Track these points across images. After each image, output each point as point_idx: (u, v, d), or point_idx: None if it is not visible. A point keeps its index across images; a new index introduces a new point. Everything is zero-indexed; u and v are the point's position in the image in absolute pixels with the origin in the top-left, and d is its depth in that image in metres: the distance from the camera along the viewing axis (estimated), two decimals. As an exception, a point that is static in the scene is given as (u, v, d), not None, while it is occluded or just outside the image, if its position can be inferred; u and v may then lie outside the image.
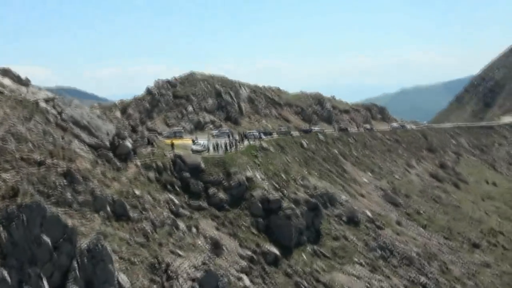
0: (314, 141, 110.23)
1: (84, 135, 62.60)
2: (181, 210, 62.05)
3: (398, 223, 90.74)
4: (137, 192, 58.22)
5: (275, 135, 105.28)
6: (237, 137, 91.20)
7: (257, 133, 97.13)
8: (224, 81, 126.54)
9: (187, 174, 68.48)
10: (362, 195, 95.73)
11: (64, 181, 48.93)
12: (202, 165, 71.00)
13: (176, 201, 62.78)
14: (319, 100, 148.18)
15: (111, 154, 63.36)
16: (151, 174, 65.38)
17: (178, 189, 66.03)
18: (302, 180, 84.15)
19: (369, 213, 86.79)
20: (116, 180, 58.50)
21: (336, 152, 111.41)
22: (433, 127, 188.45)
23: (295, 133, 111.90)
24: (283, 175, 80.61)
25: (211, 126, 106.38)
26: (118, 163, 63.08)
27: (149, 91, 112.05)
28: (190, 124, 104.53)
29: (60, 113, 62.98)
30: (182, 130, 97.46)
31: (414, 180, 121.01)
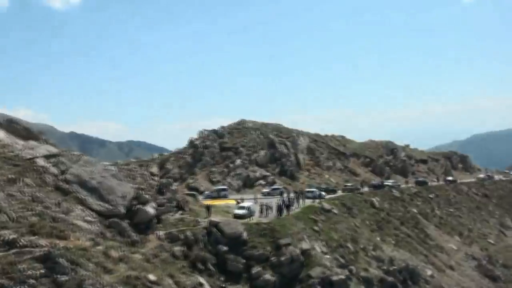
0: (387, 199, 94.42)
1: (91, 200, 50.95)
2: (214, 298, 48.39)
3: (501, 306, 72.72)
4: (152, 277, 44.77)
5: (339, 192, 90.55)
6: (292, 196, 77.40)
7: (317, 191, 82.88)
8: (280, 130, 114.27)
9: (224, 248, 54.88)
10: (451, 267, 78.55)
11: (42, 269, 36.43)
12: (245, 236, 57.32)
13: (208, 286, 48.99)
14: (391, 149, 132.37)
15: (125, 224, 51.25)
16: (177, 249, 52.32)
17: (211, 267, 52.40)
18: (374, 250, 68.62)
19: (463, 293, 69.66)
20: (125, 260, 45.65)
21: (415, 211, 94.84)
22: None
23: (365, 189, 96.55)
24: (350, 246, 65.48)
25: (262, 182, 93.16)
26: (133, 235, 50.71)
27: (191, 143, 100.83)
28: (238, 180, 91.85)
29: (63, 172, 51.82)
30: (227, 189, 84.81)
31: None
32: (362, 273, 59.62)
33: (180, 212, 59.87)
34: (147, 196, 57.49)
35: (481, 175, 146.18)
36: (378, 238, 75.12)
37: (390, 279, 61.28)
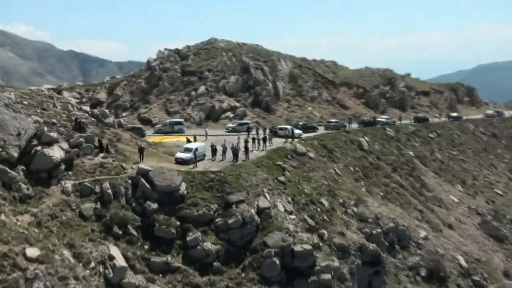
0: (379, 138, 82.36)
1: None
2: (131, 275, 37.06)
3: (506, 275, 62.11)
4: (32, 251, 32.71)
5: (321, 130, 78.20)
6: (260, 134, 65.20)
7: (291, 128, 70.62)
8: (257, 52, 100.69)
9: (153, 206, 43.06)
10: (451, 226, 67.47)
11: None
12: (182, 189, 45.38)
13: (123, 257, 37.55)
14: (389, 79, 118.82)
15: (14, 173, 39.49)
16: (88, 206, 40.60)
17: (133, 232, 40.92)
18: (356, 206, 57.08)
19: (462, 261, 58.72)
20: (7, 225, 33.78)
21: (412, 154, 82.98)
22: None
23: (353, 126, 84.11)
24: (324, 201, 53.76)
25: (230, 115, 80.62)
26: (25, 188, 38.98)
27: (148, 65, 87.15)
28: (200, 111, 79.28)
29: None
30: (183, 122, 72.41)
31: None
32: (336, 239, 48.26)
33: (102, 155, 47.41)
34: (53, 134, 45.04)
35: (489, 111, 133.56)
36: (364, 189, 63.59)
37: (371, 247, 49.93)
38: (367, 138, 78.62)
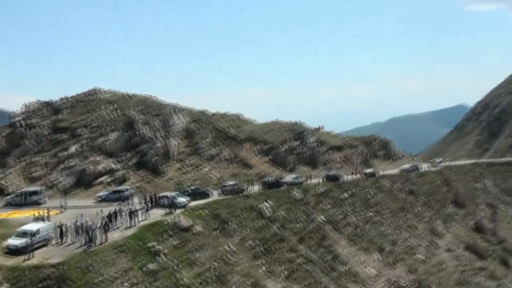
0: (285, 202, 73.15)
1: None
2: None
3: None
4: None
5: (215, 195, 67.68)
6: (131, 205, 53.96)
7: (176, 195, 60.02)
8: (148, 104, 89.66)
9: None
10: (368, 308, 58.22)
11: None
12: (-1, 295, 33.27)
13: None
14: (299, 133, 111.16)
15: None
16: None
17: None
18: (251, 293, 46.44)
19: None
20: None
21: (322, 219, 74.22)
22: (451, 166, 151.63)
23: (254, 189, 74.36)
24: (208, 293, 42.77)
25: (107, 179, 68.83)
26: None
27: (10, 120, 74.46)
28: (70, 176, 66.99)
29: None
30: (40, 191, 59.99)
31: (446, 261, 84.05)
32: None
33: None
34: None
35: (405, 166, 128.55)
36: (263, 269, 53.38)
37: None
38: (270, 203, 69.00)
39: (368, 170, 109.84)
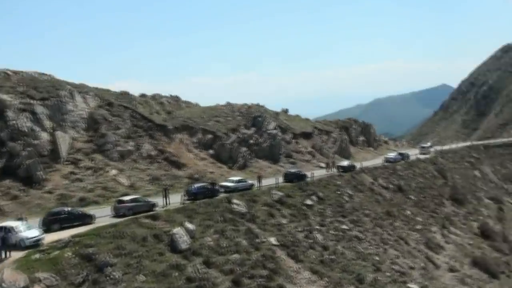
0: (218, 222, 51.60)
1: None
2: None
3: None
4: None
5: (109, 218, 46.08)
6: None
7: (12, 229, 38.48)
8: (35, 84, 67.11)
9: None
10: None
11: None
12: None
13: None
14: (254, 118, 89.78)
15: None
16: None
17: None
18: None
19: None
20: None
21: (274, 243, 52.56)
22: (444, 151, 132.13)
23: (175, 202, 52.85)
24: None
25: None
26: None
27: None
28: None
29: None
30: None
31: (449, 285, 63.23)
32: None
33: None
34: None
35: (391, 154, 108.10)
36: None
37: None
38: (191, 226, 47.24)
39: (344, 163, 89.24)
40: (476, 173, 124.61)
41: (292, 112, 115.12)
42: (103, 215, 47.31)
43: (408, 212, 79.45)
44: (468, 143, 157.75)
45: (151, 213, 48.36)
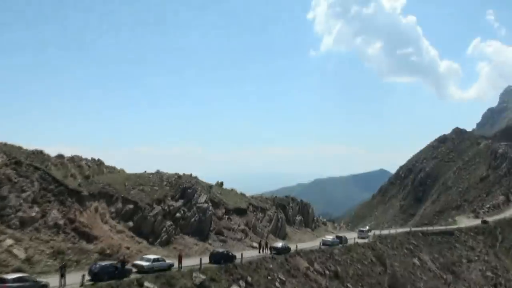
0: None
1: None
2: None
3: None
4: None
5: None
6: None
7: None
8: None
9: None
10: None
11: None
12: None
13: None
14: (183, 189, 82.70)
15: None
16: None
17: None
18: None
19: None
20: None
21: None
22: (383, 236, 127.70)
23: (75, 285, 44.68)
24: None
25: None
26: None
27: None
28: None
29: None
30: None
31: None
32: None
33: None
34: None
35: (329, 237, 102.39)
36: None
37: None
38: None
39: (278, 244, 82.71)
40: (415, 260, 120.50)
41: (228, 186, 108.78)
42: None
43: (345, 303, 73.07)
44: (407, 229, 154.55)
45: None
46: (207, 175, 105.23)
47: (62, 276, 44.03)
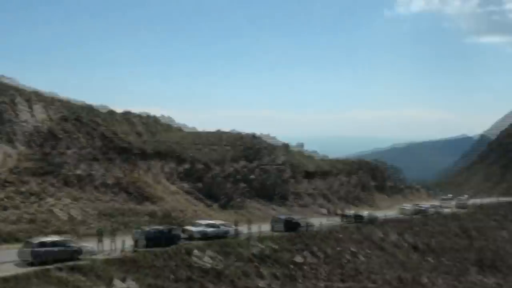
0: (169, 281, 39.83)
1: None
2: None
3: None
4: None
5: None
6: None
7: None
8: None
9: None
10: None
11: None
12: None
13: None
14: (256, 150, 78.62)
15: None
16: None
17: None
18: None
19: None
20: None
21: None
22: (473, 206, 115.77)
23: (121, 246, 41.67)
24: None
25: None
26: None
27: None
28: None
29: None
30: None
31: None
32: None
33: None
34: None
35: (407, 206, 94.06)
36: None
37: None
38: (124, 286, 35.81)
39: (365, 212, 77.47)
40: (504, 234, 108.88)
41: (312, 148, 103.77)
42: (6, 261, 35.97)
43: (426, 280, 66.41)
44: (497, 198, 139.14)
45: (73, 263, 36.88)
46: (290, 136, 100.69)
47: (101, 241, 41.04)
